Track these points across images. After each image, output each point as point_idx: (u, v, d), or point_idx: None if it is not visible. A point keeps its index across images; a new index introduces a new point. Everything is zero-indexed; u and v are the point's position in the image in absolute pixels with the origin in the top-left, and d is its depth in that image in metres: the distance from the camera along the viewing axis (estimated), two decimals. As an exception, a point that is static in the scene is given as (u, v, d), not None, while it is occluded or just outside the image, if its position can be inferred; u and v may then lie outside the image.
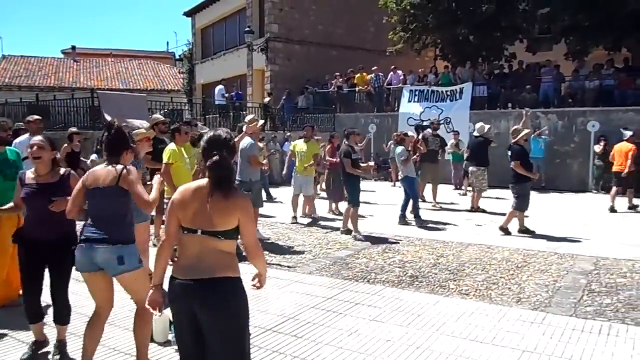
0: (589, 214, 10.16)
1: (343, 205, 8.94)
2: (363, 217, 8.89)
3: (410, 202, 9.10)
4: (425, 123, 14.19)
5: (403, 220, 9.06)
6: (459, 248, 7.16)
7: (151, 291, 2.64)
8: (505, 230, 8.10)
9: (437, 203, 11.04)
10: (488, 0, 16.20)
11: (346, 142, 8.16)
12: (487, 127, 10.96)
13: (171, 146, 6.22)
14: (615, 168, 10.66)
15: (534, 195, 10.61)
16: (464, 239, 7.72)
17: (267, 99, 19.54)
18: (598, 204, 11.52)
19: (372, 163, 9.27)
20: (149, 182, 5.28)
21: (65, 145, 9.02)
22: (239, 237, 2.63)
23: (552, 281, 5.50)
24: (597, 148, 13.05)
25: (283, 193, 12.71)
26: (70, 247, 3.31)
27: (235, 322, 2.46)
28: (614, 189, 10.50)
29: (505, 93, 16.36)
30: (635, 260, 6.32)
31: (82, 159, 9.50)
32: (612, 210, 10.29)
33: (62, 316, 3.65)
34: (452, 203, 11.73)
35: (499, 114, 15.50)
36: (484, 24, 16.68)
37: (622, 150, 10.51)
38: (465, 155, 12.31)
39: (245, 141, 7.21)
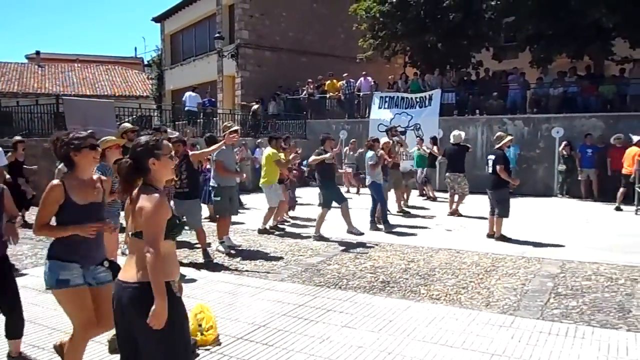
0: (555, 218, 10.38)
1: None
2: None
3: (378, 207, 9.17)
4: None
5: (374, 226, 9.10)
6: (429, 253, 7.22)
7: None
8: (502, 238, 8.07)
9: (404, 207, 11.16)
10: (455, 9, 16.49)
11: (321, 147, 8.56)
12: (463, 134, 11.20)
13: None
14: (623, 170, 11.21)
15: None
16: (434, 244, 7.80)
17: (255, 106, 19.38)
18: (563, 208, 11.82)
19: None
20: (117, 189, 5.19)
21: (10, 154, 8.86)
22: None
23: (520, 285, 5.60)
24: (562, 152, 13.46)
25: (254, 200, 12.64)
26: (8, 262, 3.24)
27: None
28: (621, 190, 11.13)
29: (473, 100, 16.67)
30: (599, 263, 6.48)
31: (25, 166, 9.39)
32: (618, 209, 11.03)
33: (14, 331, 3.58)
34: (423, 208, 11.86)
35: (467, 121, 15.77)
36: (452, 32, 17.00)
37: (630, 153, 10.96)
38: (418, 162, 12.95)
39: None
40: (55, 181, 3.16)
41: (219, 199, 7.50)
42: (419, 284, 5.67)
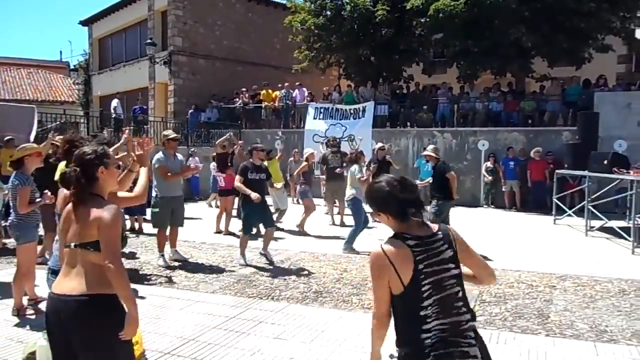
0: (480, 227, 10.79)
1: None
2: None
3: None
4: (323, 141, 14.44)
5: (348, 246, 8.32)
6: (362, 263, 7.30)
7: None
8: None
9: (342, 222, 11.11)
10: (387, 25, 16.97)
11: (250, 159, 7.59)
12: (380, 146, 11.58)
13: (63, 165, 5.67)
14: None
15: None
16: (367, 254, 7.88)
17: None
18: (488, 218, 12.34)
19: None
20: (37, 200, 4.92)
21: None
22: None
23: (447, 292, 5.76)
24: (486, 165, 14.11)
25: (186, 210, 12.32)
26: None
27: (106, 339, 2.33)
28: None
29: (404, 112, 17.17)
30: (521, 270, 6.80)
31: None
32: None
33: None
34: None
35: (399, 133, 16.20)
36: (384, 46, 17.50)
37: None
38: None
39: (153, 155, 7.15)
40: None
41: (157, 210, 7.26)
42: (351, 294, 5.73)
